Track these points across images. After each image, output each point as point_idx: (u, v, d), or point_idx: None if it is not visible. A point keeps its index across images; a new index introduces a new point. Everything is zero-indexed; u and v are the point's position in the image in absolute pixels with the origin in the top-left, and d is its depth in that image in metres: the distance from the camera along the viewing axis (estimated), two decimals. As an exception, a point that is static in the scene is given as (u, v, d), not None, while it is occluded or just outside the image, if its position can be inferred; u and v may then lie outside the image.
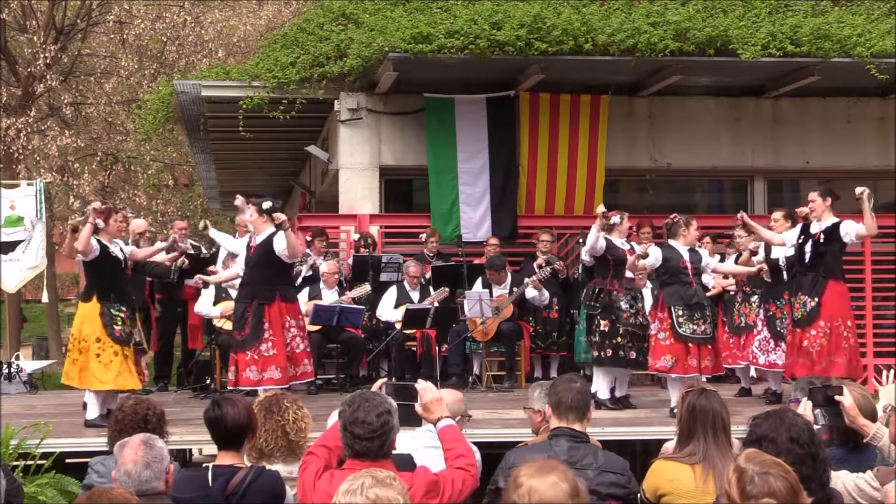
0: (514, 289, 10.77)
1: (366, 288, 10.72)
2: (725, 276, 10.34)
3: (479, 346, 10.72)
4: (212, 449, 4.80)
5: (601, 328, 9.02)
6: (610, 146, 12.63)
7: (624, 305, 9.11)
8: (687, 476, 4.23)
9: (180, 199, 22.75)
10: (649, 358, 8.78)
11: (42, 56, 17.22)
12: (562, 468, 2.97)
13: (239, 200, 9.21)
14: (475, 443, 4.98)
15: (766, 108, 13.18)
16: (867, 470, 3.95)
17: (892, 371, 4.88)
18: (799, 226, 8.76)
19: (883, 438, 4.10)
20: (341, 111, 12.35)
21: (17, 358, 12.53)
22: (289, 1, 20.66)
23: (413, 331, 10.58)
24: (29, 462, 7.29)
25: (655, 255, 8.73)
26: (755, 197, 13.48)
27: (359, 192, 12.47)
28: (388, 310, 10.73)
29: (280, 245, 8.40)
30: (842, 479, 3.89)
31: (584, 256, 9.55)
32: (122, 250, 8.44)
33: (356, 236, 11.73)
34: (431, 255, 11.45)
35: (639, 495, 4.45)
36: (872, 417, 4.23)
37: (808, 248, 8.62)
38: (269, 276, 8.48)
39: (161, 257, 9.93)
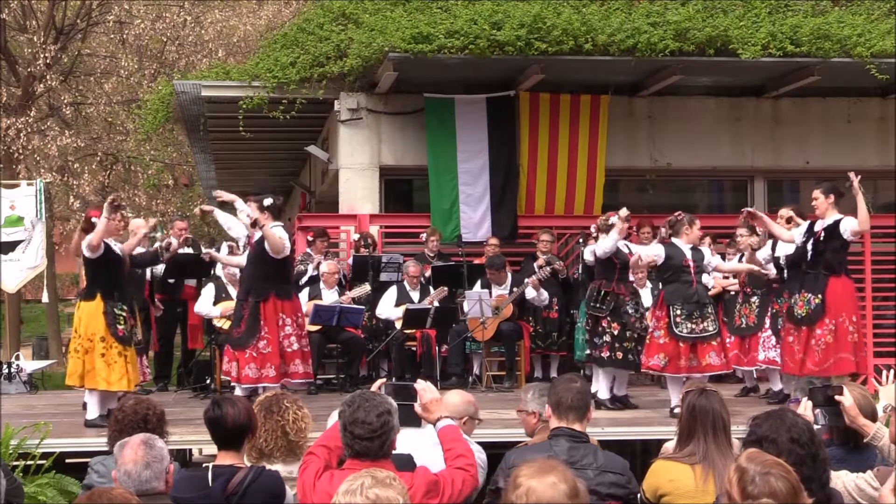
0: (514, 289, 10.78)
1: (366, 288, 10.72)
2: (726, 276, 10.35)
3: (479, 346, 10.72)
4: (212, 449, 4.80)
5: (611, 330, 9.00)
6: (610, 146, 12.63)
7: (630, 310, 9.17)
8: (687, 476, 4.23)
9: (180, 199, 22.76)
10: (642, 356, 8.78)
11: (42, 56, 17.22)
12: (561, 468, 2.96)
13: (227, 196, 9.25)
14: (479, 443, 4.99)
15: (766, 108, 13.18)
16: (867, 470, 3.95)
17: (892, 371, 4.88)
18: (806, 223, 8.75)
19: (883, 438, 4.10)
20: (341, 111, 12.35)
21: (17, 358, 12.53)
22: (289, 1, 20.66)
23: (413, 331, 10.59)
24: (29, 462, 7.29)
25: (657, 251, 8.73)
26: (755, 197, 13.47)
27: (359, 192, 12.47)
28: (388, 309, 10.73)
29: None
30: (842, 479, 3.89)
31: (588, 256, 9.54)
32: (121, 250, 8.44)
33: (356, 236, 11.74)
34: (432, 255, 11.45)
35: (639, 495, 4.45)
36: (872, 417, 4.23)
37: (810, 245, 8.63)
38: (265, 274, 8.48)
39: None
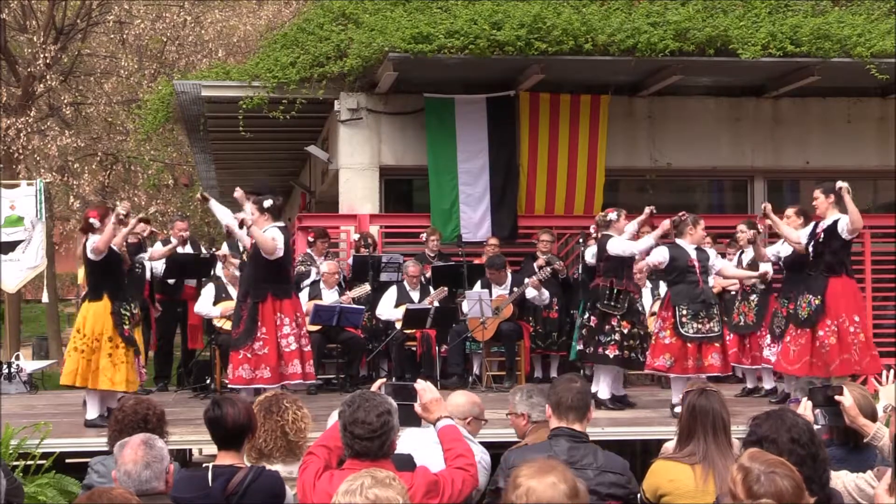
0: (515, 289, 10.78)
1: (366, 288, 10.72)
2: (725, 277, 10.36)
3: (479, 346, 10.71)
4: (212, 449, 4.80)
5: (620, 329, 8.97)
6: (610, 146, 12.63)
7: (640, 308, 9.19)
8: (687, 476, 4.23)
9: (180, 199, 22.75)
10: (648, 356, 8.77)
11: (42, 56, 17.22)
12: (561, 469, 2.96)
13: (238, 193, 9.22)
14: (479, 443, 4.99)
15: (766, 108, 13.18)
16: (867, 470, 3.95)
17: (892, 371, 4.88)
18: (812, 224, 8.75)
19: (883, 438, 4.10)
20: (341, 111, 12.35)
21: (17, 358, 12.53)
22: (289, 1, 20.66)
23: (413, 331, 10.59)
24: (29, 462, 7.29)
25: (662, 255, 8.69)
26: (755, 197, 13.47)
27: (359, 192, 12.47)
28: (388, 309, 10.73)
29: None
30: (842, 480, 3.89)
31: (590, 258, 9.47)
32: (117, 247, 8.43)
33: (356, 236, 11.74)
34: (432, 255, 11.45)
35: (639, 495, 4.45)
36: (872, 417, 4.23)
37: (810, 246, 8.64)
38: (262, 274, 8.49)
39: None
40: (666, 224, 8.86)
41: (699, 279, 8.70)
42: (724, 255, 10.63)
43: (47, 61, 17.37)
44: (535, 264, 11.12)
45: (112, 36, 19.96)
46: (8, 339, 18.43)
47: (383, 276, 11.07)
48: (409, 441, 4.57)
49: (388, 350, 10.72)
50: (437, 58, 11.17)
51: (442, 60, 11.24)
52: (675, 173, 13.40)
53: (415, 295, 10.82)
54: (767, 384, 9.88)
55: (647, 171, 13.29)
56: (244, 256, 9.19)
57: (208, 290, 10.48)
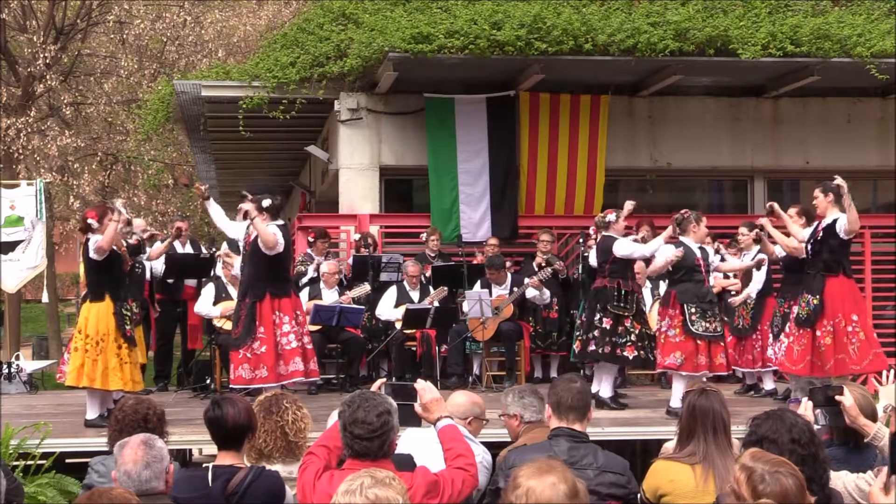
0: (515, 289, 10.78)
1: (366, 288, 10.72)
2: (727, 276, 10.38)
3: (479, 346, 10.72)
4: (212, 449, 4.80)
5: (633, 330, 8.95)
6: (610, 146, 12.63)
7: (644, 309, 9.18)
8: (687, 476, 4.23)
9: (180, 199, 22.75)
10: (658, 355, 8.70)
11: (42, 56, 17.22)
12: (561, 469, 2.96)
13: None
14: (485, 443, 4.99)
15: (766, 108, 13.18)
16: (867, 470, 3.95)
17: (892, 371, 4.88)
18: (814, 224, 8.76)
19: (884, 439, 4.09)
20: (341, 111, 12.35)
21: (17, 358, 12.53)
22: (289, 1, 20.66)
23: (413, 331, 10.59)
24: (29, 462, 7.28)
25: (666, 255, 8.67)
26: (755, 197, 13.47)
27: (359, 192, 12.47)
28: (388, 309, 10.73)
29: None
30: (842, 480, 3.89)
31: (593, 259, 9.44)
32: (116, 246, 8.44)
33: (356, 236, 11.74)
34: (433, 254, 11.45)
35: (639, 495, 4.45)
36: (872, 417, 4.22)
37: (810, 246, 8.65)
38: (261, 273, 8.50)
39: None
40: (670, 230, 8.83)
41: (705, 278, 8.72)
42: (723, 257, 10.66)
43: (47, 61, 17.37)
44: (534, 264, 11.12)
45: (112, 36, 19.96)
46: (8, 339, 18.43)
47: (383, 276, 11.07)
48: (409, 441, 4.57)
49: (388, 350, 10.72)
50: (437, 58, 11.17)
51: (442, 60, 11.24)
52: (675, 173, 13.40)
53: (415, 295, 10.82)
54: (768, 385, 9.91)
55: (647, 171, 13.29)
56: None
57: (208, 290, 10.48)
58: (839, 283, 8.43)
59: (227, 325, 9.89)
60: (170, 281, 10.85)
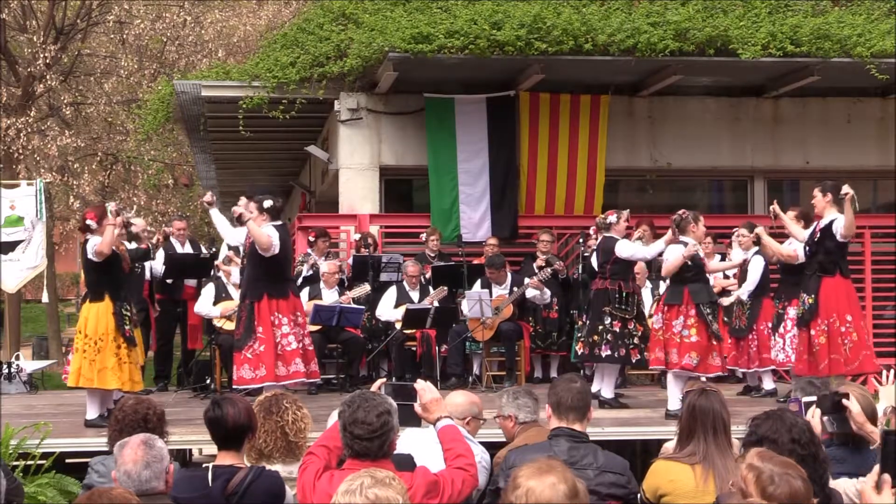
0: (515, 289, 10.78)
1: (365, 288, 10.72)
2: (726, 276, 10.39)
3: (479, 346, 10.72)
4: (212, 449, 4.80)
5: (636, 332, 8.97)
6: (610, 146, 12.63)
7: (643, 310, 9.20)
8: (687, 476, 4.23)
9: (180, 199, 22.76)
10: (674, 355, 8.53)
11: (42, 56, 17.21)
12: (560, 469, 2.96)
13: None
14: (480, 443, 4.99)
15: (766, 108, 13.18)
16: (867, 471, 3.94)
17: (892, 371, 4.88)
18: (814, 224, 8.78)
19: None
20: (341, 111, 12.35)
21: (17, 358, 12.53)
22: (289, 1, 20.66)
23: (413, 331, 10.59)
24: (29, 462, 7.29)
25: (675, 253, 8.64)
26: (755, 197, 13.47)
27: (359, 192, 12.47)
28: (388, 310, 10.73)
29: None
30: (841, 486, 3.88)
31: (623, 252, 9.32)
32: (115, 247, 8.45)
33: (356, 236, 11.74)
34: (433, 254, 11.45)
35: (639, 495, 4.45)
36: (872, 417, 4.22)
37: (806, 245, 8.69)
38: (259, 274, 8.51)
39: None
40: (671, 234, 8.81)
41: (707, 278, 8.77)
42: (723, 256, 10.67)
43: (47, 61, 17.36)
44: (534, 265, 11.12)
45: (112, 36, 19.94)
46: (8, 339, 18.43)
47: (383, 276, 11.07)
48: (409, 441, 4.57)
49: (388, 350, 10.72)
50: (437, 58, 11.17)
51: (442, 60, 11.24)
52: (675, 173, 13.40)
53: (414, 295, 10.83)
54: (767, 385, 9.95)
55: (647, 171, 13.29)
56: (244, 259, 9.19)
57: (208, 290, 10.48)
58: (835, 284, 8.45)
59: (227, 325, 9.91)
60: (170, 281, 10.85)
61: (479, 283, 10.86)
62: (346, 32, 12.28)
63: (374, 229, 11.92)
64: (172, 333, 11.31)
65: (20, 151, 16.98)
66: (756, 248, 9.88)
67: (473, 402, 5.24)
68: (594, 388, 8.89)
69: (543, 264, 10.97)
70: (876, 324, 11.96)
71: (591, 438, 4.60)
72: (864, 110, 13.19)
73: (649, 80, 12.35)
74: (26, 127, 16.93)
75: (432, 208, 12.27)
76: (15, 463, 7.11)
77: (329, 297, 10.60)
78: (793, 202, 11.47)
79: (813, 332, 8.39)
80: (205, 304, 10.41)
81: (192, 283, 11.05)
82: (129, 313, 8.28)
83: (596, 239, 9.57)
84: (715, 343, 8.55)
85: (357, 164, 12.48)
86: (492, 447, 5.25)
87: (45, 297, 14.22)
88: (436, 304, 10.53)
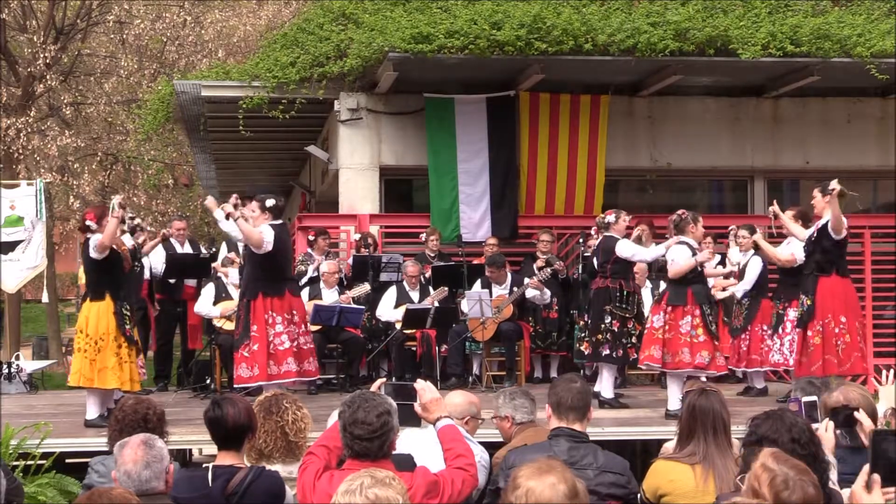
0: (515, 289, 10.78)
1: (365, 288, 10.72)
2: (726, 276, 10.39)
3: (479, 346, 10.72)
4: (212, 449, 4.80)
5: (635, 332, 8.98)
6: (610, 146, 12.62)
7: (643, 310, 9.23)
8: (687, 476, 4.23)
9: (180, 199, 22.76)
10: (686, 355, 8.47)
11: (42, 56, 17.22)
12: (560, 469, 2.96)
13: (209, 201, 9.26)
14: (480, 443, 4.99)
15: (766, 108, 13.18)
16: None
17: (892, 371, 4.88)
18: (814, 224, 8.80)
19: None
20: (341, 111, 12.34)
21: (17, 358, 12.53)
22: (289, 1, 20.66)
23: (413, 331, 10.59)
24: (29, 462, 7.29)
25: (685, 256, 8.63)
26: (755, 197, 13.47)
27: (359, 192, 12.47)
28: (388, 310, 10.74)
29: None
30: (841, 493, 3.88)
31: (624, 252, 9.26)
32: (116, 245, 8.45)
33: (356, 236, 11.74)
34: (432, 254, 11.45)
35: (639, 495, 4.45)
36: (872, 417, 4.22)
37: (804, 246, 8.71)
38: (256, 273, 8.53)
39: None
40: (675, 239, 8.82)
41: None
42: (724, 256, 10.67)
43: (47, 61, 17.36)
44: (534, 265, 11.12)
45: (112, 36, 19.94)
46: (8, 339, 18.43)
47: (383, 276, 11.07)
48: (408, 441, 4.57)
49: (388, 350, 10.72)
50: (437, 58, 11.17)
51: (442, 60, 11.24)
52: (675, 173, 13.40)
53: (414, 295, 10.83)
54: (758, 384, 10.04)
55: (647, 171, 13.29)
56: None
57: (208, 290, 10.48)
58: (831, 284, 8.48)
59: (227, 325, 9.92)
60: (170, 281, 10.85)
61: (479, 283, 10.86)
62: (346, 32, 12.28)
63: (374, 229, 11.92)
64: (172, 333, 11.31)
65: (20, 151, 16.98)
66: (754, 251, 9.92)
67: (472, 401, 5.25)
68: (595, 388, 8.90)
69: (543, 264, 10.97)
70: (876, 324, 11.96)
71: (591, 438, 4.61)
72: (864, 110, 13.19)
73: (649, 80, 12.35)
74: (26, 127, 16.93)
75: (432, 208, 12.27)
76: (15, 463, 7.11)
77: (329, 297, 10.60)
78: (793, 202, 11.49)
79: (809, 332, 8.45)
80: (205, 304, 10.42)
81: (192, 283, 11.05)
82: (128, 313, 8.29)
83: (596, 239, 9.58)
84: (716, 343, 8.61)
85: (357, 164, 12.48)
86: (490, 447, 5.25)
87: (45, 297, 14.22)
88: (436, 304, 10.53)
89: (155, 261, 10.66)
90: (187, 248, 11.12)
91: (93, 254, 8.10)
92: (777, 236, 10.07)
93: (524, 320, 10.94)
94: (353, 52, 11.80)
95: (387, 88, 12.19)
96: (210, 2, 19.68)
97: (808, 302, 8.48)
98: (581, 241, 10.82)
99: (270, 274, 8.53)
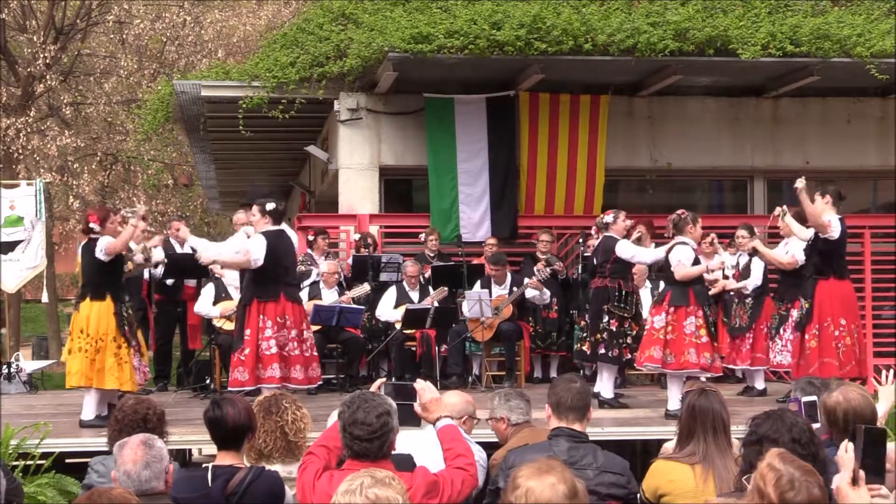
0: (514, 289, 10.78)
1: (365, 288, 10.72)
2: (726, 276, 10.39)
3: (480, 346, 10.72)
4: (212, 449, 4.80)
5: (631, 332, 8.99)
6: (610, 146, 12.62)
7: (641, 310, 9.24)
8: (687, 476, 4.23)
9: (180, 199, 22.74)
10: (692, 355, 8.45)
11: (42, 56, 17.21)
12: (560, 469, 2.96)
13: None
14: (478, 443, 4.99)
15: (766, 108, 13.18)
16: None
17: (892, 371, 4.88)
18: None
19: None
20: (341, 111, 12.34)
21: (17, 358, 12.53)
22: (289, 1, 20.65)
23: (413, 331, 10.59)
24: (29, 462, 7.29)
25: (688, 255, 8.63)
26: (755, 197, 13.48)
27: (359, 192, 12.47)
28: (388, 310, 10.74)
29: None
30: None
31: (623, 253, 9.24)
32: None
33: (356, 236, 11.74)
34: (432, 254, 11.45)
35: (639, 495, 4.45)
36: (872, 418, 4.22)
37: (803, 248, 8.74)
38: (253, 277, 8.54)
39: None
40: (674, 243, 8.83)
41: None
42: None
43: (47, 61, 17.36)
44: (535, 268, 11.12)
45: (112, 36, 19.94)
46: (8, 339, 18.42)
47: (383, 276, 11.07)
48: (408, 441, 4.57)
49: (388, 350, 10.72)
50: (437, 58, 11.17)
51: (442, 60, 11.24)
52: (675, 173, 13.40)
53: (414, 295, 10.82)
54: (758, 384, 10.05)
55: (647, 171, 13.29)
56: None
57: (208, 290, 10.48)
58: (829, 287, 8.49)
59: (227, 325, 9.91)
60: (169, 281, 10.84)
61: (479, 283, 10.87)
62: (346, 32, 12.28)
63: (374, 229, 11.92)
64: (172, 333, 11.30)
65: (20, 151, 16.98)
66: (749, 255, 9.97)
67: (468, 401, 5.27)
68: (595, 388, 8.90)
69: (543, 265, 10.97)
70: (875, 324, 11.96)
71: (591, 438, 4.61)
72: (864, 110, 13.19)
73: (649, 80, 12.35)
74: (26, 127, 16.93)
75: (432, 208, 12.27)
76: (15, 463, 7.11)
77: (329, 297, 10.60)
78: (792, 202, 11.45)
79: (806, 335, 8.47)
80: (204, 304, 10.42)
81: (191, 283, 11.05)
82: (127, 314, 8.32)
83: (596, 239, 9.58)
84: (715, 345, 8.64)
85: (357, 164, 12.48)
86: (487, 447, 5.25)
87: (44, 297, 14.22)
88: (436, 304, 10.53)
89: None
90: (187, 249, 11.10)
91: (100, 255, 8.14)
92: (771, 236, 10.11)
93: (524, 320, 10.95)
94: (352, 52, 11.80)
95: (387, 88, 12.19)
96: (210, 2, 19.67)
97: (807, 305, 8.51)
98: (581, 241, 10.82)
99: (265, 280, 8.51)
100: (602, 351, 9.00)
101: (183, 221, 11.22)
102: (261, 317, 8.39)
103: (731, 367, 10.40)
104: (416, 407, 4.11)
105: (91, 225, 8.24)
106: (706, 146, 13.07)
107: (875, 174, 13.31)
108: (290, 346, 8.49)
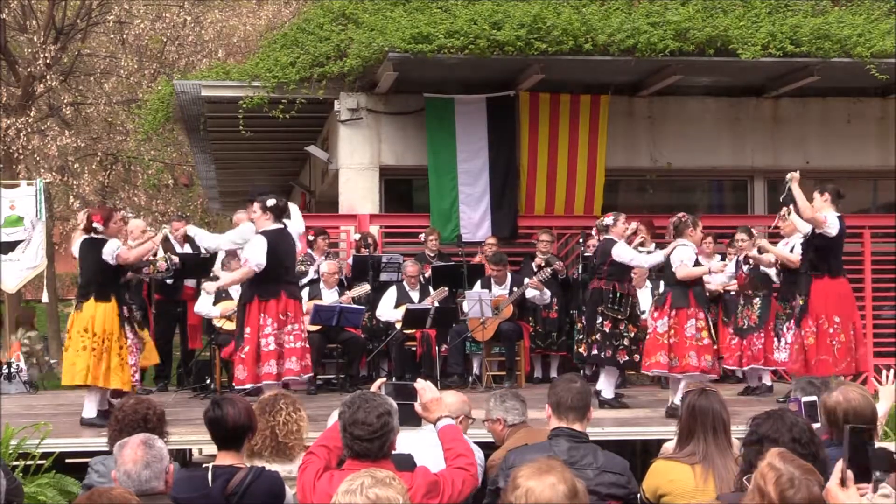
0: (514, 289, 10.78)
1: (365, 288, 10.72)
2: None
3: (480, 346, 10.72)
4: (212, 449, 4.80)
5: (628, 334, 8.99)
6: (610, 146, 12.63)
7: (639, 312, 9.23)
8: (687, 476, 4.23)
9: (180, 199, 22.73)
10: (693, 358, 8.47)
11: (42, 56, 17.20)
12: (560, 469, 2.96)
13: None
14: (477, 443, 4.99)
15: (766, 108, 13.18)
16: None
17: (892, 371, 4.88)
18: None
19: None
20: (341, 111, 12.35)
21: (18, 358, 12.52)
22: (289, 1, 20.65)
23: (413, 331, 10.59)
24: (29, 462, 7.29)
25: (689, 255, 8.65)
26: (755, 197, 13.48)
27: (359, 192, 12.47)
28: (388, 310, 10.74)
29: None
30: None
31: (621, 256, 9.27)
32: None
33: (356, 236, 11.74)
34: (432, 254, 11.46)
35: (639, 495, 4.45)
36: (872, 417, 4.22)
37: (800, 245, 8.76)
38: (252, 277, 8.51)
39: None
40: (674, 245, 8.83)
41: None
42: (723, 256, 10.67)
43: (47, 61, 17.34)
44: (534, 264, 11.13)
45: (112, 36, 19.92)
46: (8, 339, 18.40)
47: (383, 276, 11.07)
48: (409, 441, 4.57)
49: (388, 350, 10.72)
50: (437, 58, 11.17)
51: (442, 60, 11.24)
52: (675, 173, 13.40)
53: (414, 295, 10.83)
54: (765, 381, 10.06)
55: (647, 171, 13.29)
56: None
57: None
58: (824, 284, 8.51)
59: (227, 325, 9.91)
60: (169, 281, 10.84)
61: (479, 283, 10.87)
62: (346, 32, 12.28)
63: (374, 229, 11.92)
64: (172, 333, 11.30)
65: (20, 151, 16.96)
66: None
67: (464, 400, 5.32)
68: (595, 388, 8.90)
69: (543, 264, 10.97)
70: (875, 324, 11.96)
71: (591, 438, 4.61)
72: (864, 110, 13.20)
73: (649, 80, 12.35)
74: (26, 127, 16.92)
75: (432, 208, 12.27)
76: (15, 463, 7.11)
77: (329, 297, 10.60)
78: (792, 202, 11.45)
79: (803, 332, 8.49)
80: (205, 304, 10.42)
81: (191, 283, 11.05)
82: (128, 315, 8.41)
83: (597, 240, 9.59)
84: (715, 347, 8.65)
85: (357, 164, 12.48)
86: (483, 448, 5.25)
87: (45, 297, 14.19)
88: (436, 304, 10.54)
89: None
90: (187, 249, 11.11)
91: (109, 258, 8.17)
92: (771, 236, 10.11)
93: (524, 320, 10.95)
94: (353, 52, 11.81)
95: (387, 88, 12.19)
96: (210, 2, 19.66)
97: (801, 302, 8.53)
98: (581, 241, 10.82)
99: (265, 278, 8.50)
100: (595, 352, 9.02)
101: (183, 222, 11.22)
102: (262, 315, 8.38)
103: (731, 367, 10.40)
104: (417, 407, 4.11)
105: (95, 225, 8.25)
106: (706, 146, 13.07)
107: (875, 174, 13.31)
108: (285, 340, 8.49)
